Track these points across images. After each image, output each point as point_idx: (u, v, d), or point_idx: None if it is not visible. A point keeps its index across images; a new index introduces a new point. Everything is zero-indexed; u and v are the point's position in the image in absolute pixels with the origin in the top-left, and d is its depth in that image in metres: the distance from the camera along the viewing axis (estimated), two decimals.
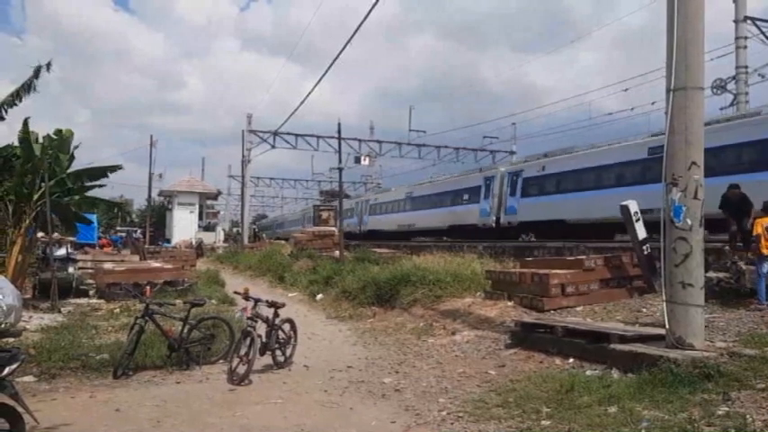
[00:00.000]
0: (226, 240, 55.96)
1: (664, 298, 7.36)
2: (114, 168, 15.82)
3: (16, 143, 14.34)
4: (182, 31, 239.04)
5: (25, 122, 13.94)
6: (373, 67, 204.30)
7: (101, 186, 16.23)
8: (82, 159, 15.30)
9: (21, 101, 14.27)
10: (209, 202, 63.35)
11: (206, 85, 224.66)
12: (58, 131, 14.48)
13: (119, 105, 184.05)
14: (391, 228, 36.04)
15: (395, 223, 36.02)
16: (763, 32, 25.22)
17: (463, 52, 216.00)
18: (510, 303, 11.04)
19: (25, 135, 13.85)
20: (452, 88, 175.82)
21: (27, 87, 14.23)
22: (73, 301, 14.49)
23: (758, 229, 9.48)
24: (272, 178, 65.06)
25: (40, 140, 14.28)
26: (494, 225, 26.49)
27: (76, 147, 15.21)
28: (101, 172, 15.60)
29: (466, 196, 29.29)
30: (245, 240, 42.81)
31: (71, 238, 20.55)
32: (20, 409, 4.79)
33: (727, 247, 11.27)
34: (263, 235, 57.24)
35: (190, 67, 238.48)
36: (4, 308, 9.30)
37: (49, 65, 14.35)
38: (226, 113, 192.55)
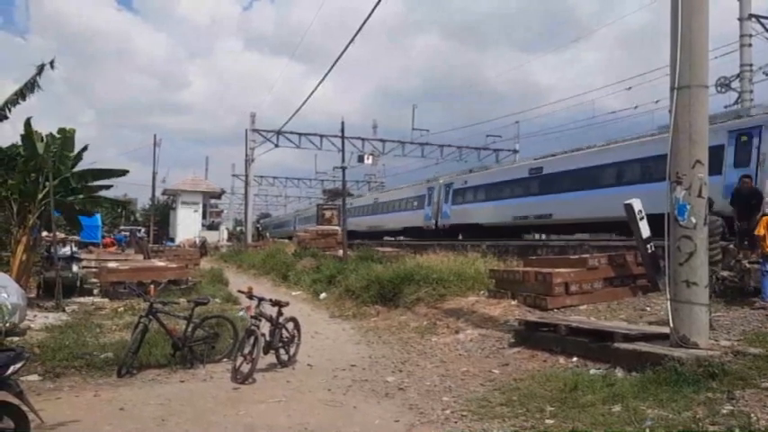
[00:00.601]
0: (229, 239, 56.05)
1: (668, 296, 7.34)
2: (120, 173, 15.89)
3: (20, 142, 14.38)
4: (185, 30, 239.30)
5: (28, 121, 13.97)
6: (376, 66, 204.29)
7: (107, 188, 16.28)
8: (88, 158, 15.40)
9: (24, 99, 14.30)
10: (212, 201, 63.50)
11: (209, 85, 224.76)
12: (62, 130, 14.50)
13: (122, 105, 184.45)
14: (362, 228, 40.10)
15: (365, 225, 40.77)
16: (767, 30, 25.12)
17: (466, 52, 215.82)
18: (514, 302, 11.03)
19: (28, 133, 13.89)
20: (455, 87, 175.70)
21: (31, 86, 14.27)
22: (77, 299, 14.53)
23: (761, 230, 9.45)
24: (275, 177, 65.16)
25: (44, 139, 14.32)
26: (434, 227, 31.56)
27: (84, 148, 15.24)
28: (106, 174, 15.63)
29: (415, 203, 34.88)
30: (249, 239, 42.85)
31: (75, 237, 20.62)
32: (25, 408, 4.81)
33: (731, 246, 11.23)
34: (267, 234, 57.31)
35: (193, 67, 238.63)
36: (9, 307, 9.38)
37: (52, 63, 14.39)
38: (229, 113, 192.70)
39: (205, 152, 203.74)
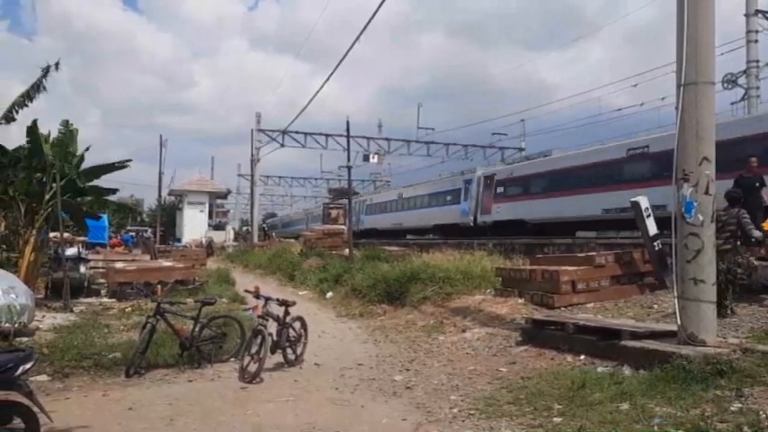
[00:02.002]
0: (235, 239, 56.16)
1: (675, 294, 7.32)
2: (123, 164, 15.87)
3: (26, 144, 14.44)
4: (190, 30, 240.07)
5: (34, 123, 14.03)
6: (381, 65, 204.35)
7: (114, 191, 16.32)
8: (92, 160, 15.45)
9: (31, 101, 14.37)
10: (218, 201, 63.62)
11: (215, 85, 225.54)
12: (65, 122, 14.52)
13: (128, 105, 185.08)
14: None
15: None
16: None
17: (471, 50, 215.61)
18: (520, 300, 11.01)
19: (34, 135, 13.95)
20: (461, 86, 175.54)
21: (37, 87, 14.33)
22: (85, 300, 14.60)
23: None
24: (281, 177, 65.21)
25: (48, 140, 14.37)
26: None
27: (87, 149, 15.31)
28: (109, 169, 15.67)
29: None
30: (255, 239, 42.93)
31: (83, 238, 20.70)
32: (34, 409, 4.83)
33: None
34: (273, 233, 57.41)
35: (199, 67, 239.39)
36: (18, 307, 9.44)
37: (57, 64, 14.44)
38: (235, 113, 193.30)
39: (211, 152, 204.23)
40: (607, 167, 21.17)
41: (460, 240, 22.49)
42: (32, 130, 13.97)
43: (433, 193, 33.61)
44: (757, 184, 11.39)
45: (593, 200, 21.07)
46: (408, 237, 33.95)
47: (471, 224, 28.46)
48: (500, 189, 26.73)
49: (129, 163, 15.94)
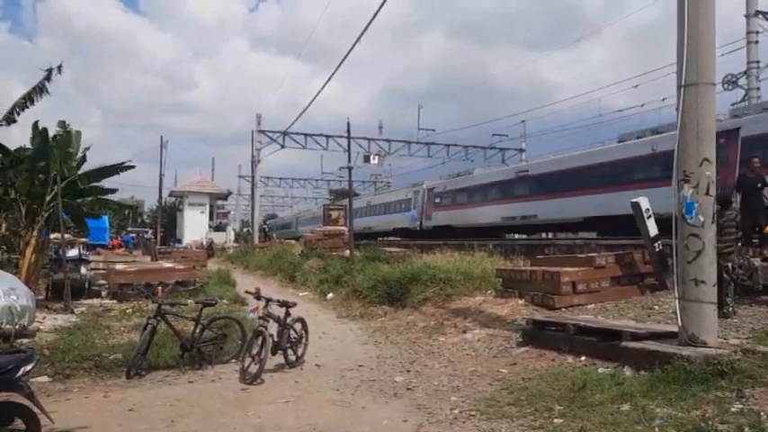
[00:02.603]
0: (236, 240, 56.16)
1: (676, 295, 7.31)
2: (125, 167, 15.89)
3: (28, 145, 14.47)
4: (191, 31, 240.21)
5: (35, 124, 14.05)
6: (382, 65, 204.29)
7: (113, 191, 16.32)
8: (94, 161, 15.46)
9: (33, 104, 14.38)
10: (219, 202, 63.63)
11: (216, 86, 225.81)
12: (62, 122, 14.52)
13: (129, 106, 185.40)
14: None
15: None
16: None
17: (473, 51, 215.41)
18: (521, 301, 11.00)
19: (35, 136, 13.97)
20: (462, 86, 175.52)
21: (39, 90, 14.34)
22: (85, 301, 14.61)
23: None
24: (281, 178, 65.23)
25: (50, 141, 14.37)
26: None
27: (87, 148, 15.32)
28: (112, 171, 15.68)
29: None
30: (256, 240, 42.93)
31: (83, 239, 20.73)
32: (35, 410, 4.84)
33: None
34: (274, 234, 57.42)
35: (200, 68, 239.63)
36: (19, 309, 9.43)
37: (60, 67, 14.45)
38: (236, 113, 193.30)
39: (212, 153, 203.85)
40: (502, 186, 28.46)
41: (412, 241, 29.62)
42: (38, 131, 13.99)
43: (393, 202, 41.16)
44: (759, 185, 11.35)
45: (494, 210, 28.27)
46: (379, 239, 39.18)
47: (418, 228, 35.39)
48: (437, 200, 34.02)
49: (131, 165, 16.02)
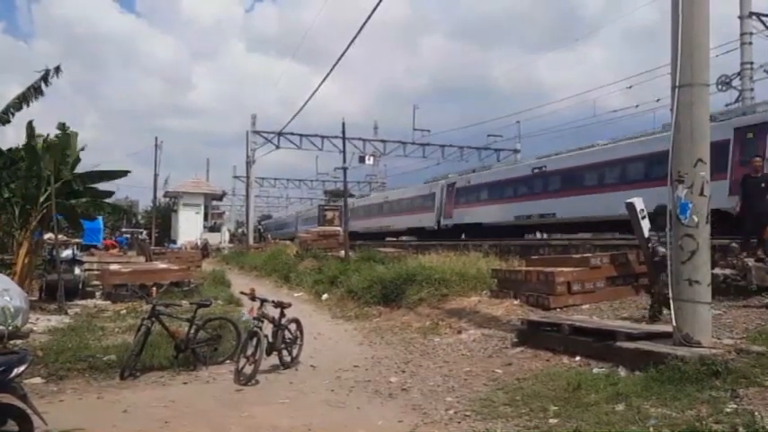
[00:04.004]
0: (231, 241, 56.05)
1: (671, 295, 7.33)
2: (122, 174, 15.88)
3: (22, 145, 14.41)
4: (190, 33, 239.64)
5: (29, 125, 13.99)
6: (380, 66, 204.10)
7: (109, 194, 16.29)
8: (93, 161, 15.53)
9: (28, 105, 14.31)
10: (214, 202, 63.47)
11: (216, 87, 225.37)
12: (61, 125, 14.48)
13: (128, 107, 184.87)
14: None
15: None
16: None
17: (471, 51, 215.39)
18: (516, 302, 11.02)
19: (30, 136, 13.91)
20: (460, 87, 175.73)
21: (35, 91, 14.27)
22: (79, 302, 14.55)
23: None
24: (276, 178, 65.25)
25: (46, 142, 14.33)
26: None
27: (82, 149, 15.27)
28: (108, 176, 15.63)
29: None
30: (251, 241, 42.86)
31: (77, 240, 20.65)
32: (28, 411, 4.81)
33: (734, 244, 11.20)
34: (269, 235, 57.34)
35: (200, 69, 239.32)
36: (12, 310, 9.37)
37: (58, 69, 14.38)
38: (236, 114, 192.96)
39: (213, 154, 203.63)
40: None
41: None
42: (28, 131, 13.93)
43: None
44: (763, 185, 11.30)
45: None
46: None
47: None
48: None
49: (127, 171, 16.06)
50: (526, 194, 26.18)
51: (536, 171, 26.12)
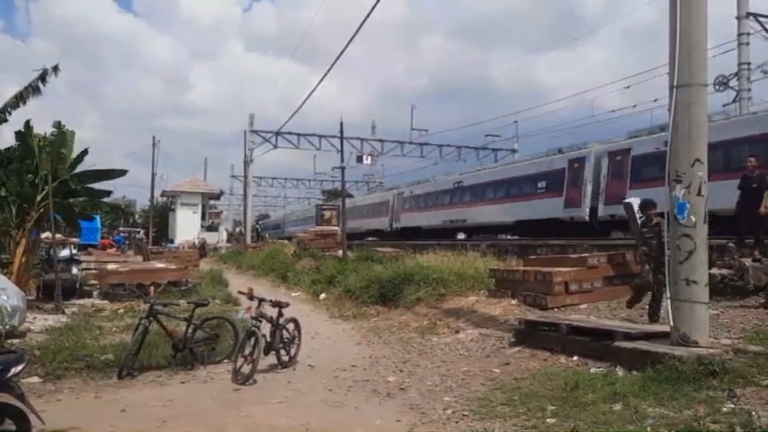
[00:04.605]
0: (229, 240, 55.99)
1: (668, 295, 7.35)
2: (119, 173, 15.84)
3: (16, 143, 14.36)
4: (189, 33, 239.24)
5: (27, 124, 13.95)
6: (376, 66, 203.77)
7: (107, 194, 16.25)
8: (92, 161, 15.42)
9: (24, 103, 14.28)
10: (211, 202, 63.42)
11: (215, 87, 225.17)
12: (57, 123, 14.45)
13: (128, 107, 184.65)
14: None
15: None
16: (765, 29, 25.16)
17: (471, 51, 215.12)
18: (514, 301, 11.03)
19: (27, 135, 13.88)
20: (460, 88, 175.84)
21: (31, 89, 14.24)
22: (77, 301, 14.52)
23: None
24: (274, 178, 65.18)
25: (41, 141, 14.29)
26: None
27: (85, 151, 15.21)
28: (105, 175, 15.60)
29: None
30: (248, 240, 42.83)
31: (75, 240, 20.61)
32: (26, 410, 4.81)
33: (731, 244, 11.23)
34: (266, 235, 57.31)
35: (199, 69, 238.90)
36: (9, 309, 9.36)
37: (56, 68, 14.35)
38: (234, 114, 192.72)
39: (211, 153, 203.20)
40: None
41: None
42: (24, 131, 13.90)
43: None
44: (755, 185, 11.32)
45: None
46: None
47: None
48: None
49: (124, 170, 16.01)
50: (450, 204, 32.31)
51: (456, 185, 32.40)
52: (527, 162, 27.87)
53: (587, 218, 21.96)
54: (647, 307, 9.81)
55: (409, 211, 37.19)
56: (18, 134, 13.89)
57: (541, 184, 24.61)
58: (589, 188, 21.93)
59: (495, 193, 28.02)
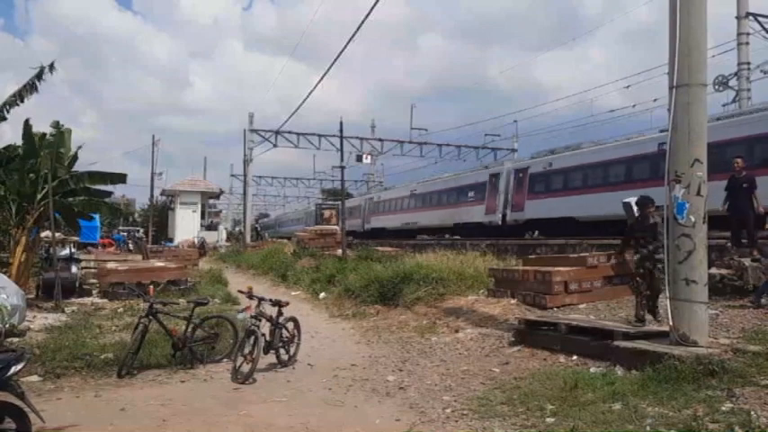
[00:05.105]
0: (228, 239, 55.97)
1: (667, 295, 7.35)
2: (118, 178, 15.84)
3: (19, 143, 14.38)
4: (188, 32, 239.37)
5: (26, 122, 13.96)
6: (377, 65, 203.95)
7: (108, 194, 16.26)
8: (89, 159, 15.52)
9: (23, 101, 14.28)
10: (211, 201, 63.41)
11: (214, 86, 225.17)
12: (56, 123, 14.45)
13: (127, 107, 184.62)
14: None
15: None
16: (765, 29, 25.19)
17: (470, 51, 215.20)
18: (513, 301, 11.03)
19: (26, 134, 13.89)
20: (459, 87, 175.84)
21: (29, 87, 14.24)
22: (76, 300, 14.50)
23: None
24: (273, 177, 65.14)
25: (41, 140, 14.30)
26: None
27: (80, 147, 15.24)
28: (104, 177, 15.60)
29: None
30: (248, 239, 42.82)
31: (74, 238, 20.60)
32: (26, 409, 4.81)
33: (729, 243, 11.25)
34: (266, 234, 57.30)
35: (199, 68, 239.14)
36: (9, 308, 9.37)
37: (52, 66, 14.35)
38: (234, 113, 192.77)
39: (210, 153, 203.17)
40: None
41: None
42: (25, 128, 13.90)
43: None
44: (745, 185, 11.36)
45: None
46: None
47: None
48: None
49: (125, 176, 16.03)
50: (406, 209, 36.40)
51: (411, 193, 36.41)
52: (463, 174, 32.53)
53: (500, 222, 26.04)
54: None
55: (377, 215, 41.27)
56: (23, 133, 13.89)
57: (471, 194, 29.10)
58: (501, 198, 26.28)
59: (439, 200, 32.65)
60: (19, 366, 4.85)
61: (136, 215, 65.21)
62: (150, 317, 8.27)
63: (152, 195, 46.75)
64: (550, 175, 23.81)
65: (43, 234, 15.86)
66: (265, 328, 8.30)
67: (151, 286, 14.03)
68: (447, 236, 28.64)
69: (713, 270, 9.67)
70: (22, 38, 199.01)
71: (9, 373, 4.72)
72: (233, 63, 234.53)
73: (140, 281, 14.64)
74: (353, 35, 15.87)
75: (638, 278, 8.71)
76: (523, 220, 24.68)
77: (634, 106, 38.68)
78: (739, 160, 11.63)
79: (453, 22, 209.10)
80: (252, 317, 8.16)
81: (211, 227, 58.98)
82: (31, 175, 14.01)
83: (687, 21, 7.20)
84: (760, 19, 25.15)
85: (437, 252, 16.92)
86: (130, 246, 33.38)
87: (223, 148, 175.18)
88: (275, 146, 41.75)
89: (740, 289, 9.72)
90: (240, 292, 9.99)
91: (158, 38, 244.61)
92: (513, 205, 25.37)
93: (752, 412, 5.07)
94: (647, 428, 5.10)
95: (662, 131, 19.77)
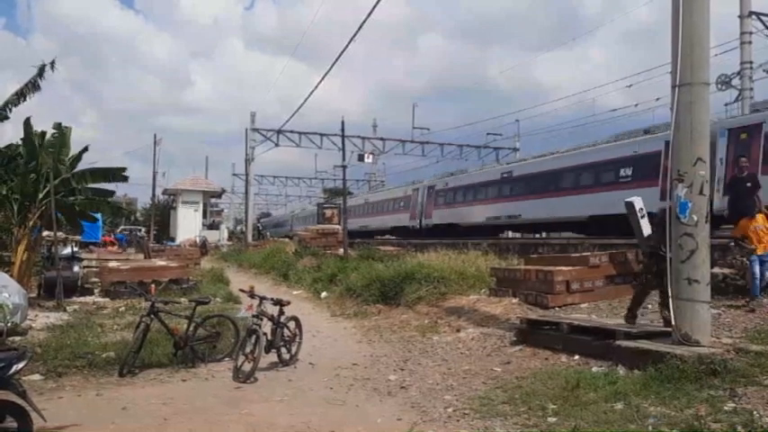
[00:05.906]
0: (230, 239, 56.01)
1: (670, 294, 7.34)
2: (119, 174, 15.83)
3: (20, 142, 14.39)
4: (189, 31, 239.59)
5: (27, 121, 13.96)
6: (379, 65, 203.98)
7: (111, 194, 16.25)
8: (90, 159, 15.51)
9: (25, 100, 14.29)
10: (213, 200, 63.46)
11: (215, 86, 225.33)
12: (58, 125, 14.46)
13: (128, 107, 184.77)
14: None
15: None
16: (767, 27, 25.10)
17: (471, 51, 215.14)
18: (515, 300, 11.02)
19: (27, 133, 13.89)
20: (460, 87, 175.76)
21: (31, 86, 14.26)
22: (78, 299, 14.52)
23: (740, 233, 9.62)
24: (275, 176, 65.19)
25: (42, 140, 14.31)
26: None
27: (85, 149, 15.21)
28: (105, 174, 15.60)
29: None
30: (250, 238, 42.83)
31: (76, 237, 20.61)
32: (27, 408, 4.81)
33: (731, 243, 11.20)
34: (268, 233, 57.32)
35: (200, 68, 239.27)
36: (11, 306, 9.37)
37: (53, 64, 14.36)
38: (235, 113, 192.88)
39: (212, 152, 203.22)
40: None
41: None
42: (26, 128, 13.91)
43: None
44: (749, 185, 11.31)
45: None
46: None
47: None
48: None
49: (124, 170, 16.03)
50: (363, 214, 41.92)
51: (365, 201, 43.53)
52: (397, 188, 40.52)
53: (418, 226, 33.27)
54: (647, 306, 9.81)
55: (352, 217, 43.00)
56: (24, 132, 13.90)
57: (400, 204, 36.78)
58: (418, 208, 33.67)
59: (382, 208, 40.13)
60: (20, 365, 4.85)
61: (138, 214, 65.22)
62: (152, 316, 8.26)
63: (154, 194, 46.75)
64: (447, 192, 31.52)
65: (45, 233, 15.87)
66: (267, 327, 8.29)
67: (153, 285, 14.08)
68: (387, 236, 36.33)
69: (716, 269, 9.66)
70: (24, 36, 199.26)
71: (11, 372, 4.72)
72: (234, 63, 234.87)
73: (142, 280, 14.66)
74: (355, 35, 15.90)
75: (648, 275, 8.62)
76: (432, 224, 31.82)
77: (636, 105, 38.62)
78: (743, 159, 11.60)
79: (453, 22, 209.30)
80: (253, 316, 8.15)
81: (213, 226, 59.05)
82: (33, 174, 14.02)
83: (690, 19, 7.18)
84: (763, 18, 25.06)
85: (438, 251, 16.91)
86: (126, 248, 33.37)
87: (223, 148, 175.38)
88: (277, 145, 41.81)
89: (743, 288, 9.70)
90: (242, 291, 9.98)
91: (159, 37, 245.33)
92: (425, 214, 32.90)
93: (754, 412, 5.06)
94: (650, 428, 5.09)
95: (508, 163, 30.96)
